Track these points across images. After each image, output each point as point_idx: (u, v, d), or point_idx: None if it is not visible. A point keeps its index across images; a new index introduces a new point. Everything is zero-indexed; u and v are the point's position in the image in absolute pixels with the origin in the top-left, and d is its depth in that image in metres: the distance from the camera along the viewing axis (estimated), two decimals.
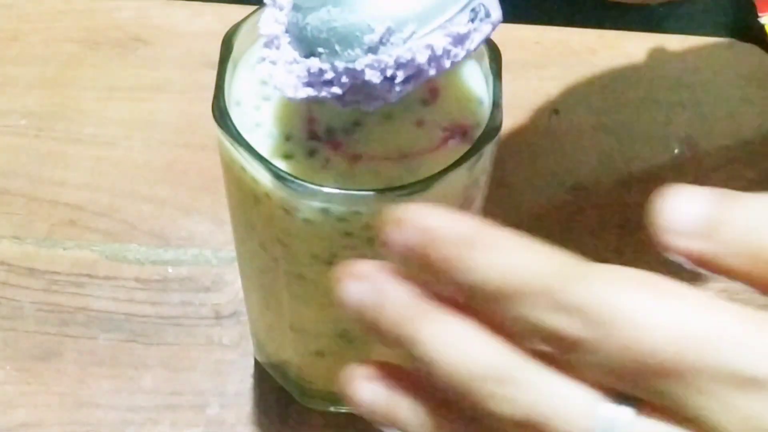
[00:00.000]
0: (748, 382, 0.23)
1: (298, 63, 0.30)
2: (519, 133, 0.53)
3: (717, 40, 0.58)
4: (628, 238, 0.46)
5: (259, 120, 0.34)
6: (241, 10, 0.35)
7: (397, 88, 0.30)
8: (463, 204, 0.33)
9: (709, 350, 0.23)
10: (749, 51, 0.57)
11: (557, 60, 0.56)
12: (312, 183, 0.31)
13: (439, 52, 0.29)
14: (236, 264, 0.42)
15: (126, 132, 0.53)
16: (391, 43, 0.29)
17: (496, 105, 0.33)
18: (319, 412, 0.44)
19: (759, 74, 0.56)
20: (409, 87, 0.30)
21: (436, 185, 0.31)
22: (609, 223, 0.50)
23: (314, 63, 0.30)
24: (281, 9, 0.32)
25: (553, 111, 0.54)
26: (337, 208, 0.31)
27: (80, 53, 0.56)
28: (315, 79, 0.30)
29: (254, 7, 0.35)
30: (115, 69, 0.55)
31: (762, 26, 0.56)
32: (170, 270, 0.48)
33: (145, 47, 0.56)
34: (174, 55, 0.56)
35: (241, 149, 0.31)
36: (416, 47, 0.29)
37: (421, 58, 0.29)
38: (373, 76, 0.29)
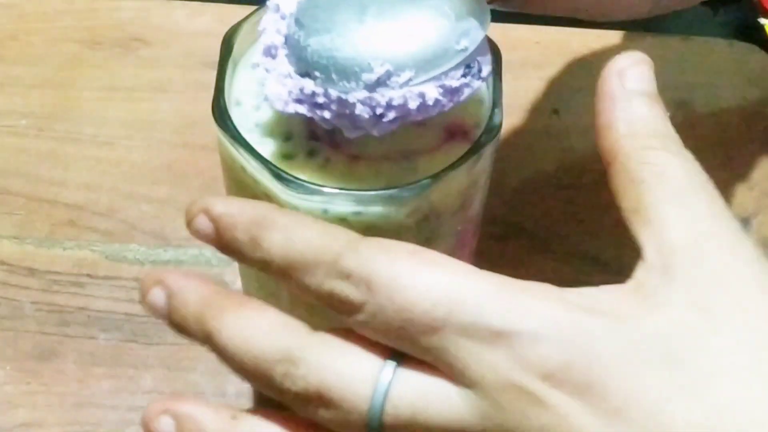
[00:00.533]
0: (493, 336, 0.26)
1: (292, 78, 0.31)
2: (519, 133, 0.53)
3: (717, 40, 0.58)
4: (627, 239, 0.46)
5: (259, 120, 0.34)
6: (241, 10, 0.35)
7: (383, 126, 0.31)
8: (463, 204, 0.33)
9: (461, 309, 0.26)
10: (749, 51, 0.57)
11: (557, 60, 0.56)
12: (312, 183, 0.31)
13: (429, 102, 0.31)
14: (236, 264, 0.42)
15: (126, 132, 0.53)
16: (387, 85, 0.30)
17: (496, 105, 0.33)
18: None
19: (759, 74, 0.56)
20: (394, 126, 0.31)
21: (436, 185, 0.31)
22: (608, 223, 0.49)
23: (308, 84, 0.31)
24: (283, 18, 0.32)
25: (553, 111, 0.54)
26: (337, 208, 0.31)
27: (80, 53, 0.56)
28: (306, 99, 0.31)
29: (254, 7, 0.35)
30: (115, 69, 0.55)
31: (762, 26, 0.56)
32: None
33: (145, 47, 0.56)
34: (174, 55, 0.56)
35: (241, 149, 0.31)
36: (409, 94, 0.30)
37: (412, 105, 0.31)
38: (363, 111, 0.31)
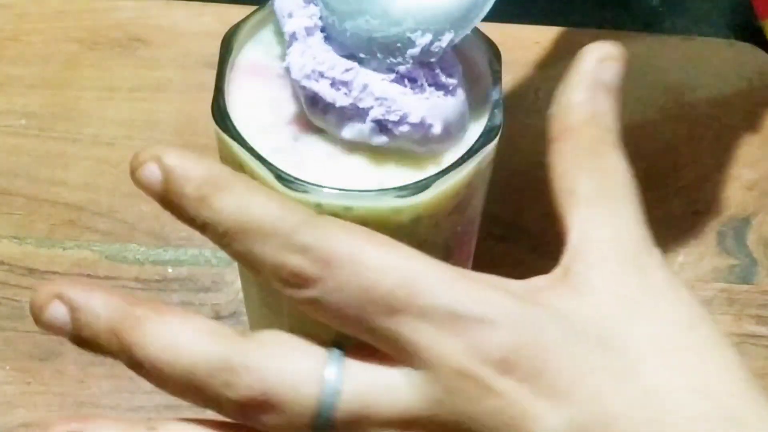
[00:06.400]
0: (449, 321, 0.26)
1: (328, 53, 0.31)
2: (519, 134, 0.53)
3: (717, 40, 0.58)
4: None
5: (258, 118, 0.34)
6: (241, 10, 0.35)
7: (379, 137, 0.32)
8: (462, 205, 0.33)
9: (421, 292, 0.26)
10: (749, 51, 0.57)
11: (557, 60, 0.56)
12: (310, 183, 0.31)
13: (434, 132, 0.31)
14: (236, 264, 0.42)
15: (126, 132, 0.53)
16: (432, 52, 0.31)
17: (496, 105, 0.33)
18: None
19: (759, 74, 0.56)
20: (387, 139, 0.32)
21: (436, 185, 0.31)
22: None
23: (351, 65, 0.31)
24: (311, 1, 0.32)
25: None
26: (335, 207, 0.31)
27: (80, 53, 0.56)
28: (329, 77, 0.31)
29: (254, 7, 0.35)
30: (115, 69, 0.55)
31: (762, 27, 0.56)
32: (170, 270, 0.48)
33: (145, 47, 0.56)
34: (174, 55, 0.56)
35: (240, 149, 0.31)
36: (425, 123, 0.31)
37: (419, 130, 0.31)
38: (378, 114, 0.31)
